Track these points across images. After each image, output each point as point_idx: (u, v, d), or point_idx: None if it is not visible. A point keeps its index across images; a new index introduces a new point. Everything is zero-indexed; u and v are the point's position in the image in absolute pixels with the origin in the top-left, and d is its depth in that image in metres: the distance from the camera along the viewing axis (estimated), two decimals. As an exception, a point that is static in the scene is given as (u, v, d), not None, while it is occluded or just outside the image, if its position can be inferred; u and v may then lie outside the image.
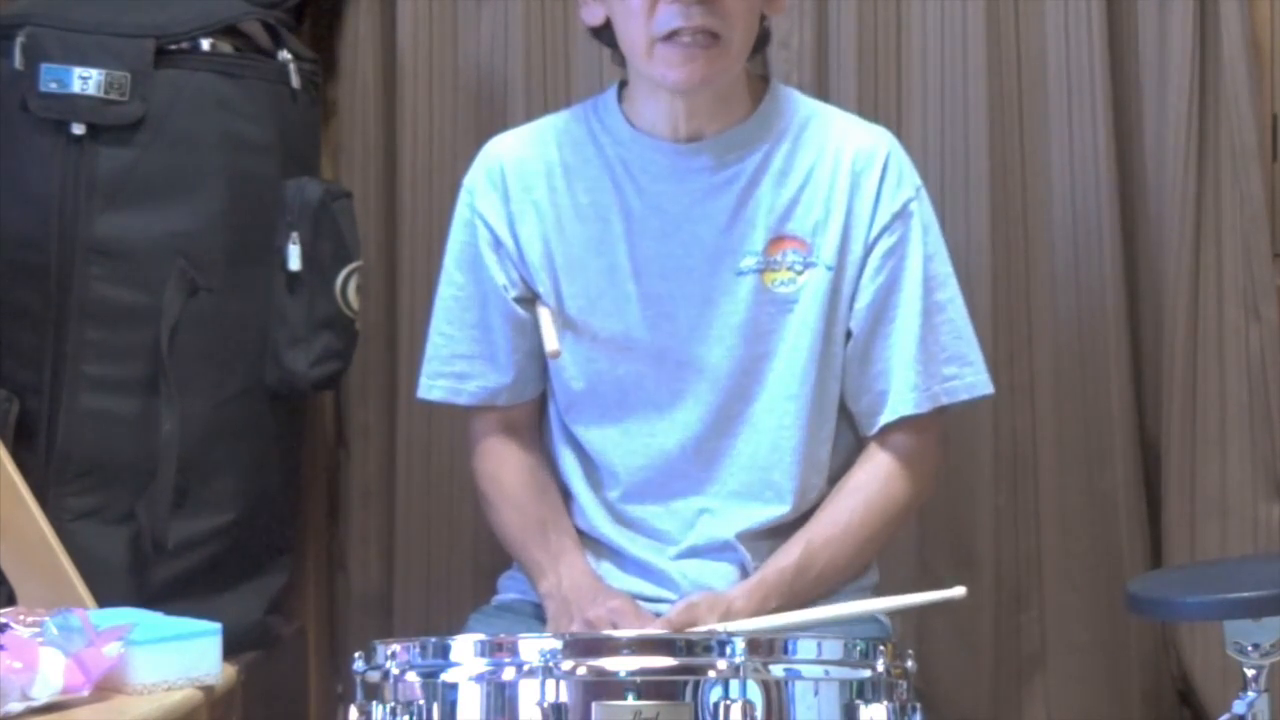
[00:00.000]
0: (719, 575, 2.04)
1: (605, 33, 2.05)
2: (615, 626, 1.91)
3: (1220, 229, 2.45)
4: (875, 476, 2.05)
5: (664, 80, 1.98)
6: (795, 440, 2.04)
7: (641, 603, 2.01)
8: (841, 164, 2.05)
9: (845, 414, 2.10)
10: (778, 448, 2.04)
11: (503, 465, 2.13)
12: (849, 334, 2.06)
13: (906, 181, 2.07)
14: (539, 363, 2.12)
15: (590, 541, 2.11)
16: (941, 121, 2.52)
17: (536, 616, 2.06)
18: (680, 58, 1.95)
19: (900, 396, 2.04)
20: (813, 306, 2.03)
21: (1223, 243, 2.45)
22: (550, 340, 2.06)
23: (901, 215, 2.05)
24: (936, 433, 2.10)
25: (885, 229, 2.04)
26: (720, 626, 1.85)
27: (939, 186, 2.46)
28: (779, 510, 2.05)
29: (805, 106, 2.11)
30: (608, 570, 2.08)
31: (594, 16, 2.05)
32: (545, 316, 2.08)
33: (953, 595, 1.87)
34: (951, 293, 2.09)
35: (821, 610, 1.93)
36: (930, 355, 2.05)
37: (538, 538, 2.07)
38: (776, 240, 2.04)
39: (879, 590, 2.16)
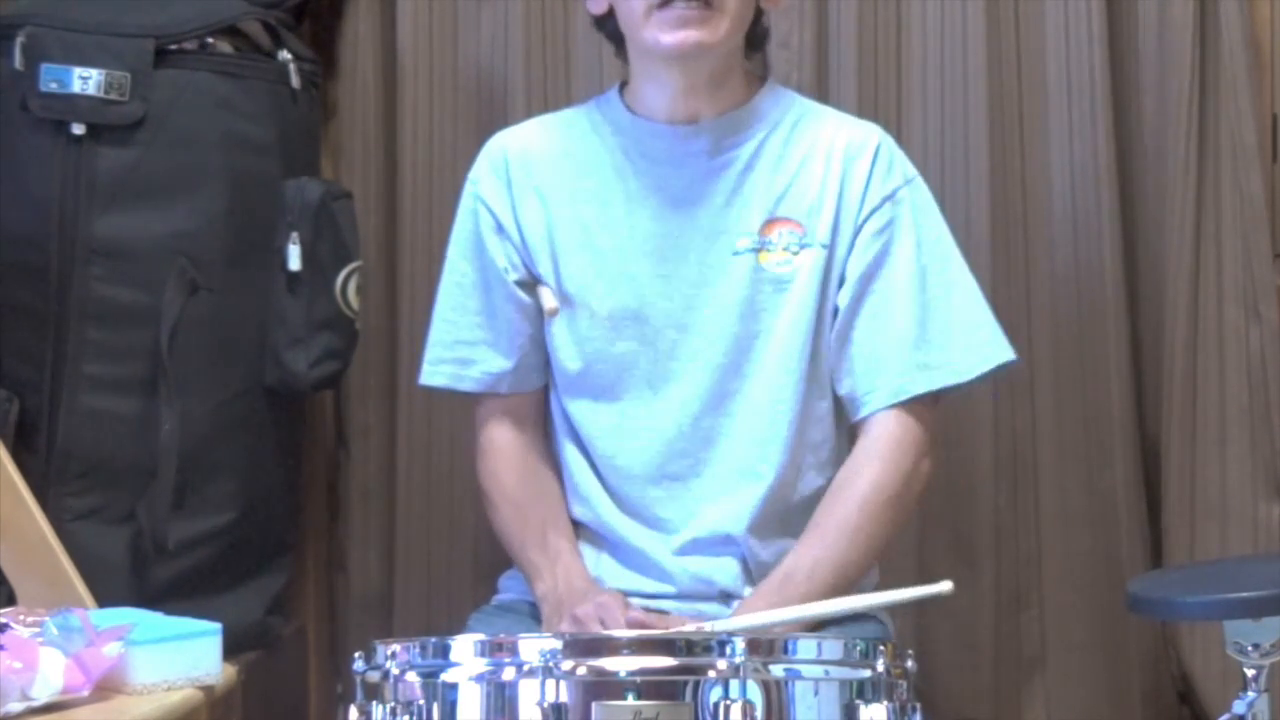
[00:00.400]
0: (720, 569, 2.05)
1: (608, 22, 2.09)
2: (602, 620, 1.92)
3: (1220, 229, 2.45)
4: (854, 470, 2.04)
5: (659, 46, 2.00)
6: (789, 416, 2.05)
7: (639, 599, 2.02)
8: (835, 153, 2.08)
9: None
10: (773, 423, 2.05)
11: (504, 462, 2.14)
12: (837, 312, 2.07)
13: (897, 170, 2.09)
14: (542, 350, 2.14)
15: (591, 533, 2.11)
16: (941, 121, 2.52)
17: (535, 617, 2.07)
18: (676, 21, 1.98)
19: (893, 378, 2.04)
20: (809, 286, 2.05)
21: (1223, 243, 2.45)
22: (548, 300, 2.09)
23: (892, 199, 2.07)
24: (928, 411, 2.07)
25: (875, 210, 2.06)
26: (709, 626, 1.85)
27: (939, 186, 2.44)
28: (772, 484, 2.04)
29: (799, 103, 2.15)
30: (607, 564, 2.09)
31: (598, 6, 2.09)
32: (545, 290, 2.11)
33: (939, 590, 1.85)
34: (959, 274, 2.09)
35: (804, 609, 1.92)
36: (932, 333, 2.05)
37: (536, 539, 2.08)
38: (771, 222, 2.06)
39: (879, 588, 2.16)
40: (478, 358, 2.14)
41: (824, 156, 2.07)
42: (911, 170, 2.11)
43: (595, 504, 2.10)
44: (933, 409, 2.08)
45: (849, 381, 2.06)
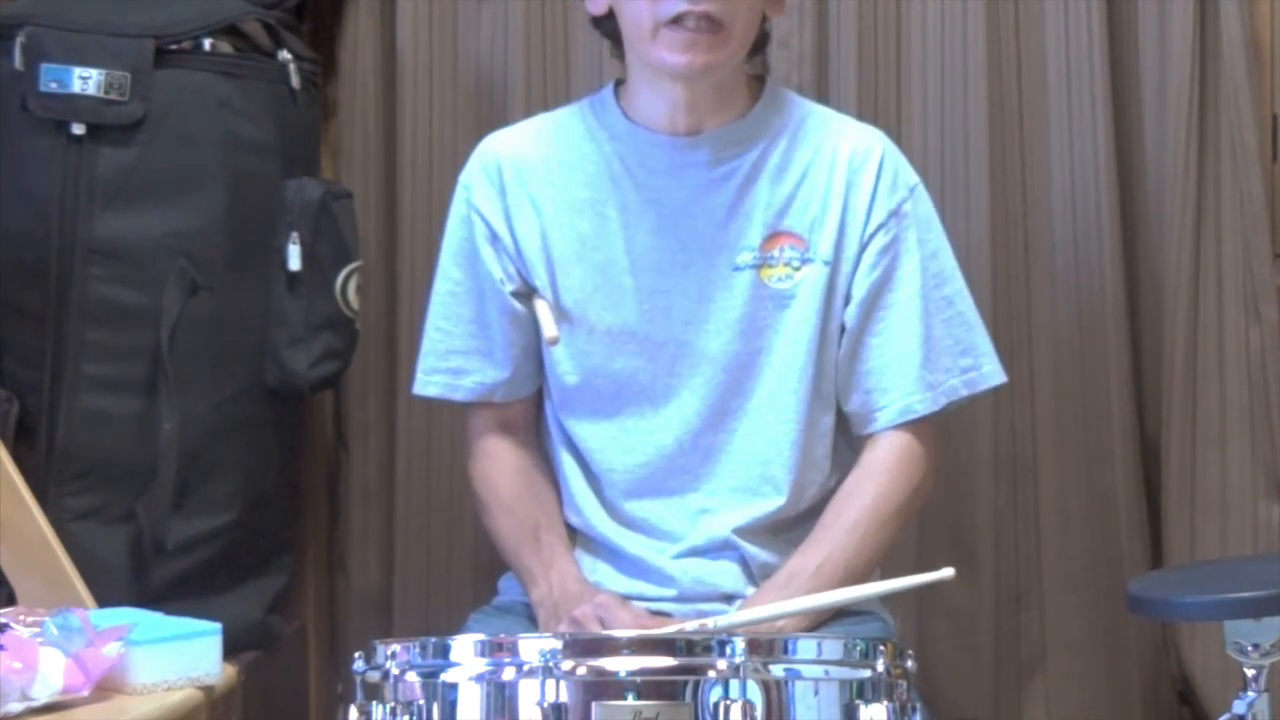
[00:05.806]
0: (722, 573, 2.05)
1: (607, 23, 2.06)
2: (601, 620, 1.92)
3: (1220, 229, 2.46)
4: (863, 479, 2.05)
5: (665, 65, 1.98)
6: (792, 435, 2.04)
7: (640, 603, 2.01)
8: (838, 162, 2.05)
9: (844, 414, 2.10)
10: (775, 442, 2.04)
11: (497, 467, 2.13)
12: (843, 329, 2.06)
13: (901, 181, 2.08)
14: (535, 359, 2.12)
15: (588, 541, 2.11)
16: (941, 121, 2.52)
17: (534, 619, 2.06)
18: (684, 43, 1.96)
19: (902, 397, 2.04)
20: (810, 302, 2.03)
21: (1223, 243, 2.46)
22: (549, 327, 2.06)
23: (897, 214, 2.06)
24: (931, 429, 2.09)
25: (881, 226, 2.05)
26: (711, 621, 1.85)
27: (939, 186, 2.45)
28: (776, 503, 2.04)
29: (801, 107, 2.12)
30: (605, 572, 2.08)
31: (598, 6, 2.06)
32: (542, 307, 2.08)
33: (941, 576, 1.85)
34: (957, 287, 2.09)
35: (809, 599, 1.92)
36: (935, 352, 2.06)
37: (530, 544, 2.07)
38: (773, 236, 2.05)
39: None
40: (471, 367, 2.13)
41: (827, 166, 2.05)
42: (914, 177, 2.10)
43: (590, 514, 2.09)
44: (935, 427, 2.09)
45: (858, 398, 2.06)
